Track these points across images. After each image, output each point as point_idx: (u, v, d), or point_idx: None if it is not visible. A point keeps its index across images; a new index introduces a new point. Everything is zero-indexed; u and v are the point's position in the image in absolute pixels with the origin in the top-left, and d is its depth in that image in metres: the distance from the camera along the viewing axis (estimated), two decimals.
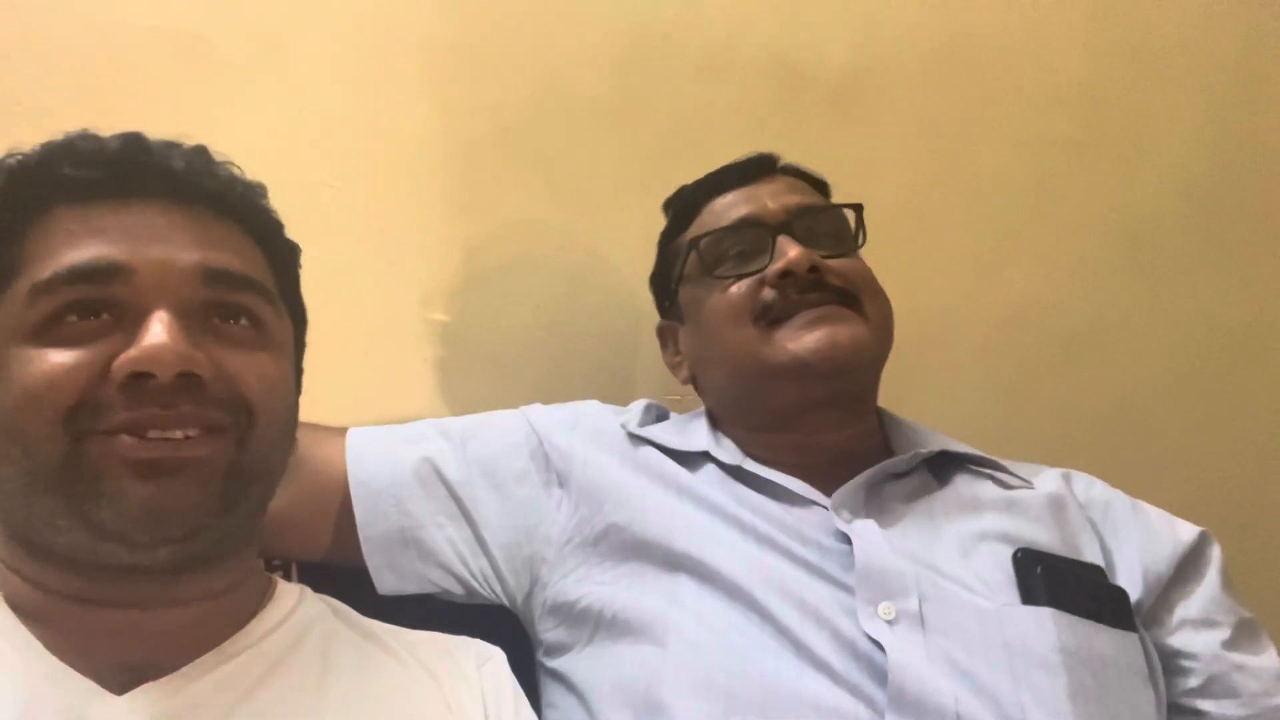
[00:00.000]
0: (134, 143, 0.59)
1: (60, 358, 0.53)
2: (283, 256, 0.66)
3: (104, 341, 0.54)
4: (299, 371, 0.67)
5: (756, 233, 0.84)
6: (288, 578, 0.71)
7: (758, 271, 0.82)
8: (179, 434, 0.54)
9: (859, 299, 0.82)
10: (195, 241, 0.58)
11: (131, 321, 0.54)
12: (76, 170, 0.57)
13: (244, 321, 0.59)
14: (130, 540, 0.54)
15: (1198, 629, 0.75)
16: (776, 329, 0.80)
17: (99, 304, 0.55)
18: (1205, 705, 0.74)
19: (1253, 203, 1.25)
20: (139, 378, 0.53)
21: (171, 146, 0.60)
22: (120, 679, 0.54)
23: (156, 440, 0.53)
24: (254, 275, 0.60)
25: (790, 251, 0.80)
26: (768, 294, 0.81)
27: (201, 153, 0.62)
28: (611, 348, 1.05)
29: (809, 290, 0.80)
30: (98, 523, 0.53)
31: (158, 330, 0.53)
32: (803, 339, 0.79)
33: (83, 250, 0.55)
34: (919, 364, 1.10)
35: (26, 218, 0.57)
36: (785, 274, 0.80)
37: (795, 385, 0.80)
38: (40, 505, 0.54)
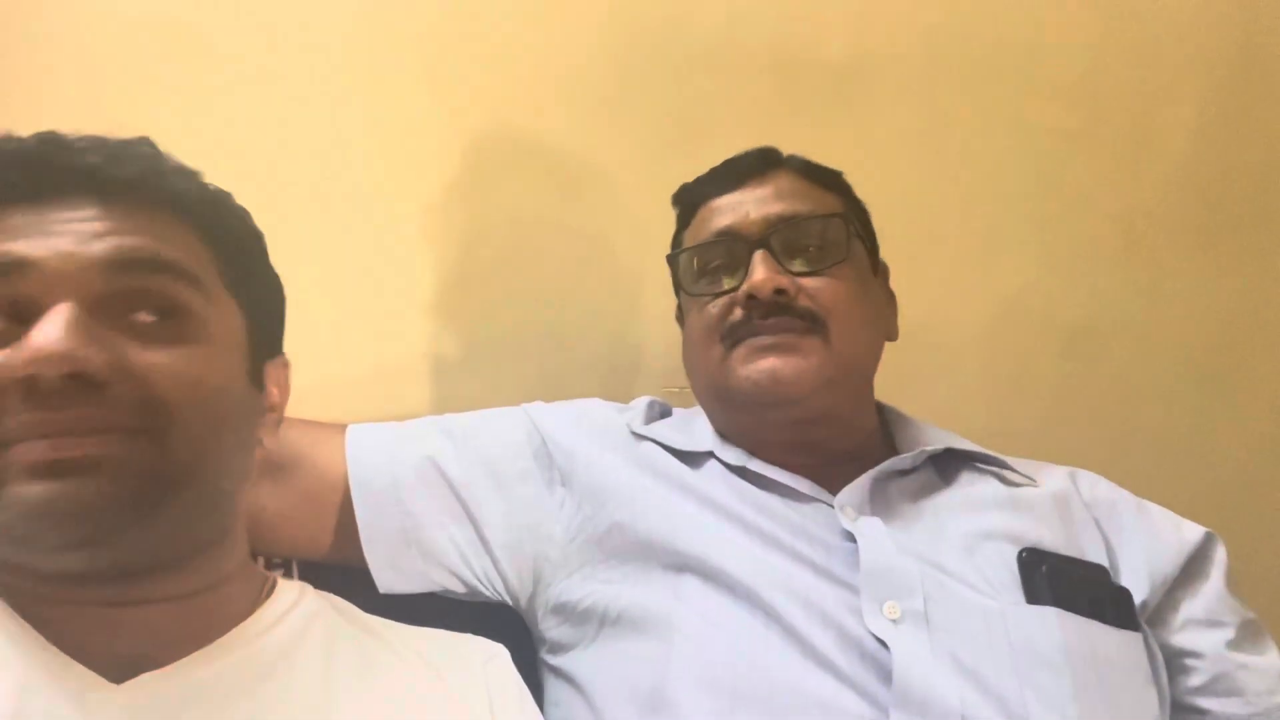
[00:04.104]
0: (51, 142, 0.57)
1: None
2: (231, 241, 0.62)
3: (9, 346, 0.51)
4: (258, 368, 0.63)
5: (734, 247, 0.83)
6: (288, 576, 0.71)
7: (731, 290, 0.82)
8: (77, 451, 0.51)
9: (826, 324, 0.80)
10: (108, 230, 0.55)
11: (35, 319, 0.52)
12: None
13: (167, 315, 0.56)
14: (35, 544, 0.52)
15: (1203, 628, 0.76)
16: (734, 351, 0.80)
17: (9, 301, 0.53)
18: (1209, 704, 0.74)
19: (1251, 195, 1.25)
20: (31, 380, 0.50)
21: (95, 141, 0.58)
22: (118, 669, 0.53)
23: (58, 440, 0.50)
24: (174, 258, 0.56)
25: (756, 274, 0.79)
26: (736, 314, 0.81)
27: (128, 145, 0.59)
28: (613, 343, 1.04)
29: (772, 314, 0.79)
30: (6, 530, 0.51)
31: (48, 328, 0.51)
32: (749, 368, 0.79)
33: None
34: (915, 356, 1.09)
35: None
36: (750, 296, 0.79)
37: (750, 411, 0.81)
38: None
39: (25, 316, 0.53)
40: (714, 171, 0.89)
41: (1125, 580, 0.76)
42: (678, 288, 0.90)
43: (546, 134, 1.05)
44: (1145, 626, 0.74)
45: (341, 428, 0.83)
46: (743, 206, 0.84)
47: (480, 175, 1.03)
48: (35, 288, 0.53)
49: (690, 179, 0.91)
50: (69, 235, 0.54)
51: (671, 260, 0.90)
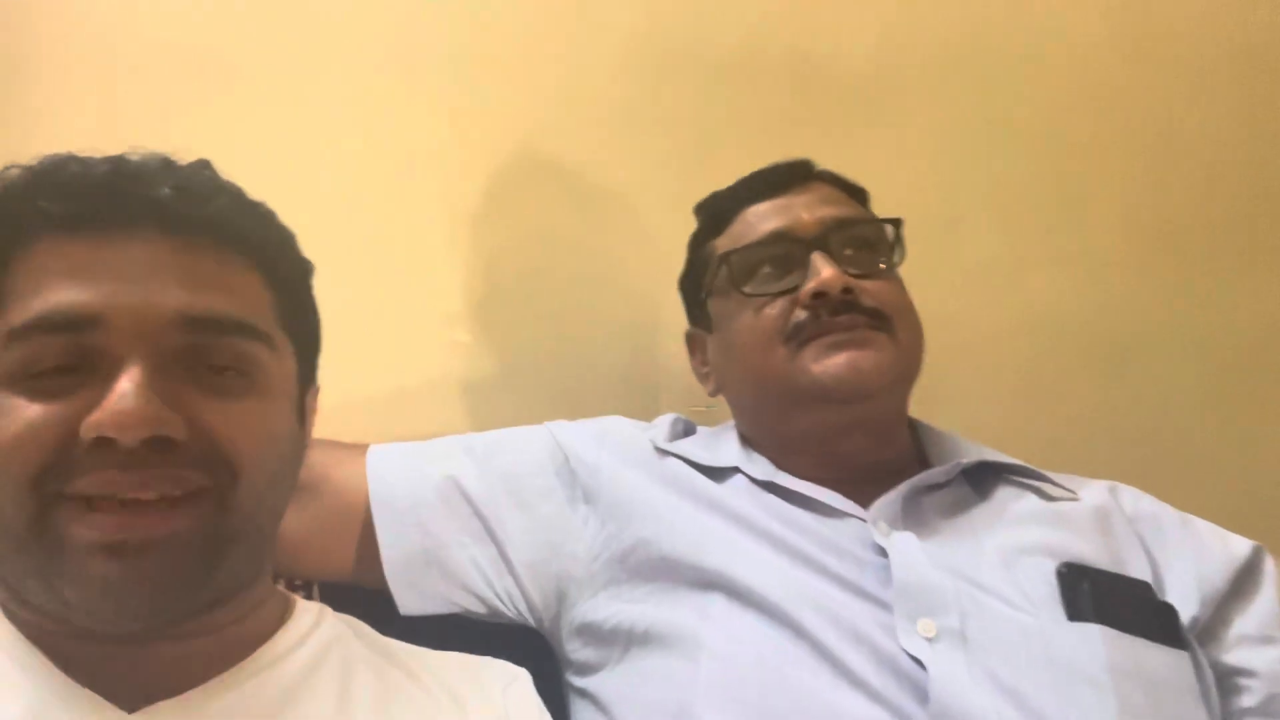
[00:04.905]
0: (120, 170, 0.55)
1: (31, 413, 0.51)
2: (289, 278, 0.62)
3: (78, 396, 0.51)
4: (303, 402, 0.63)
5: (790, 248, 0.82)
6: (309, 598, 0.70)
7: (790, 290, 0.80)
8: (150, 496, 0.51)
9: (891, 321, 0.80)
10: (179, 281, 0.54)
11: (107, 373, 0.52)
12: (57, 202, 0.54)
13: (231, 370, 0.55)
14: (95, 618, 0.52)
15: (1256, 645, 0.73)
16: (803, 350, 0.79)
17: (76, 352, 0.52)
18: None
19: None
20: (106, 441, 0.50)
21: (163, 171, 0.57)
22: (131, 697, 0.52)
23: (126, 516, 0.50)
24: (245, 317, 0.56)
25: (824, 271, 0.78)
26: (799, 314, 0.79)
27: (196, 174, 0.58)
28: (634, 360, 1.04)
29: (841, 311, 0.78)
30: (62, 598, 0.51)
31: (125, 390, 0.50)
32: (825, 363, 0.78)
33: (59, 294, 0.52)
34: (943, 370, 1.07)
35: (7, 250, 0.54)
36: (818, 294, 0.78)
37: (818, 409, 0.79)
38: (13, 562, 0.52)
39: (89, 366, 0.52)
40: (748, 180, 0.88)
41: (1172, 596, 0.73)
42: (704, 297, 0.88)
43: (569, 153, 1.06)
44: (1195, 644, 0.71)
45: (362, 448, 0.83)
46: (793, 209, 0.83)
47: (502, 195, 1.03)
48: (107, 341, 0.52)
49: None
50: (140, 283, 0.53)
51: (698, 270, 0.89)
